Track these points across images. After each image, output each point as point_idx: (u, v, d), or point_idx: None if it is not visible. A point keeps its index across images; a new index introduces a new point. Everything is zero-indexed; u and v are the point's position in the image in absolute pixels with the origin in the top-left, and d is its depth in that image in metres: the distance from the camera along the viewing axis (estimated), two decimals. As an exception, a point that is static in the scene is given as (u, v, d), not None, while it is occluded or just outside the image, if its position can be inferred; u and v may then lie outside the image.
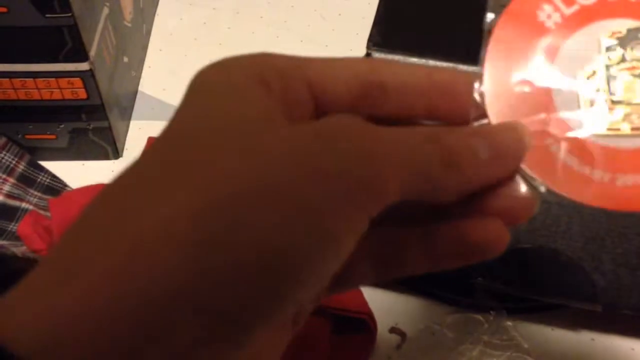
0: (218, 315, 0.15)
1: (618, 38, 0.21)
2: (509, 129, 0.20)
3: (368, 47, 0.38)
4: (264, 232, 0.16)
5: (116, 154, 0.46)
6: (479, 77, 0.21)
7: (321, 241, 0.16)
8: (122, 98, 0.48)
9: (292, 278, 0.16)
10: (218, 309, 0.15)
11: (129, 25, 0.48)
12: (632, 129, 0.21)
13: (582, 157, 0.21)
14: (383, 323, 0.38)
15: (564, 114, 0.21)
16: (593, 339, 0.39)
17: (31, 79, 0.41)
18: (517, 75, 0.21)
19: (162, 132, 0.18)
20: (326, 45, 0.52)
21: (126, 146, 0.47)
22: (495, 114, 0.21)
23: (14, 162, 0.44)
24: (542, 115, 0.21)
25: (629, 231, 0.35)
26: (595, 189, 0.21)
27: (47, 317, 0.15)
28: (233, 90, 0.18)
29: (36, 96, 0.42)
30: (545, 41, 0.21)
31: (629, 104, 0.21)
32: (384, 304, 0.39)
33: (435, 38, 0.39)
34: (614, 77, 0.21)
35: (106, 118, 0.44)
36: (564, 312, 0.39)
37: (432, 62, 0.38)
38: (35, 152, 0.45)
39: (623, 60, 0.21)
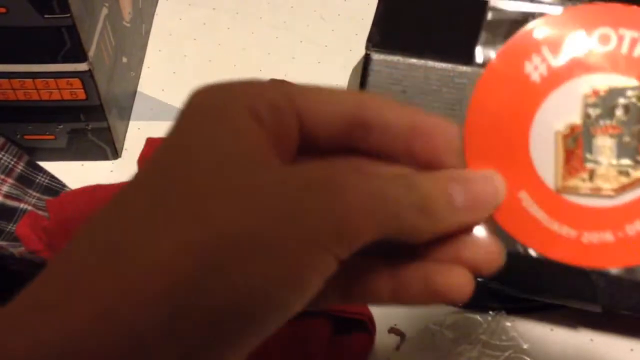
0: (193, 348, 0.17)
1: (600, 96, 0.21)
2: (485, 178, 0.21)
3: (367, 48, 0.38)
4: (237, 279, 0.16)
5: (115, 154, 0.46)
6: (461, 127, 0.21)
7: (290, 288, 0.17)
8: (121, 98, 0.48)
9: (260, 320, 0.17)
10: (191, 343, 0.16)
11: (128, 25, 0.48)
12: (602, 189, 0.21)
13: (552, 213, 0.21)
14: (382, 323, 0.38)
15: (538, 168, 0.21)
16: (592, 339, 0.39)
17: (30, 80, 0.41)
18: (497, 126, 0.21)
19: (152, 160, 0.18)
20: (326, 46, 0.52)
21: (125, 146, 0.47)
22: (473, 162, 0.21)
23: (12, 162, 0.44)
24: (516, 167, 0.21)
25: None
26: (562, 245, 0.21)
27: (34, 353, 0.16)
28: (225, 121, 0.18)
29: (35, 97, 0.42)
30: (529, 94, 0.21)
31: (601, 164, 0.21)
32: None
33: (435, 38, 0.39)
34: (591, 136, 0.21)
35: (105, 118, 0.44)
36: (564, 312, 0.39)
37: (430, 63, 0.38)
38: (34, 153, 0.45)
39: (601, 119, 0.21)
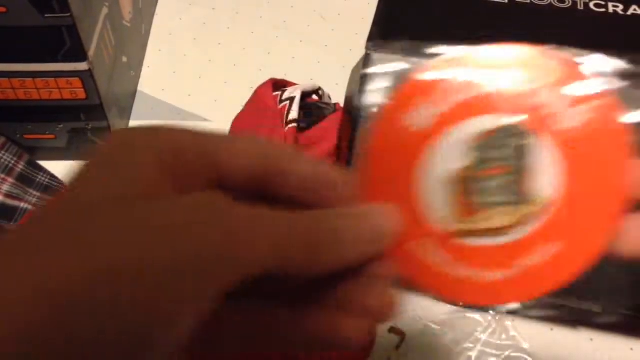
0: None
1: (483, 138, 0.21)
2: (378, 212, 0.21)
3: (367, 48, 0.38)
4: (105, 315, 0.16)
5: (115, 154, 0.47)
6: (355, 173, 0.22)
7: (157, 324, 0.16)
8: (121, 98, 0.48)
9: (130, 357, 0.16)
10: None
11: (128, 25, 0.49)
12: (491, 229, 0.21)
13: (450, 257, 0.21)
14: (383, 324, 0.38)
15: (433, 214, 0.21)
16: (592, 339, 0.39)
17: (30, 79, 0.41)
18: (389, 176, 0.21)
19: (55, 196, 0.18)
20: (326, 45, 0.52)
21: (125, 146, 0.47)
22: (366, 199, 0.21)
23: (13, 161, 0.44)
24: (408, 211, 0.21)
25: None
26: (464, 287, 0.21)
27: None
28: (128, 167, 0.18)
29: (35, 96, 0.42)
30: (415, 143, 0.21)
31: (491, 204, 0.21)
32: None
33: (435, 38, 0.39)
34: (479, 178, 0.21)
35: (105, 118, 0.44)
36: (564, 311, 0.39)
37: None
38: (34, 152, 0.45)
39: (487, 160, 0.21)
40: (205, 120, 0.49)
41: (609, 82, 0.21)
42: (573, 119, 0.21)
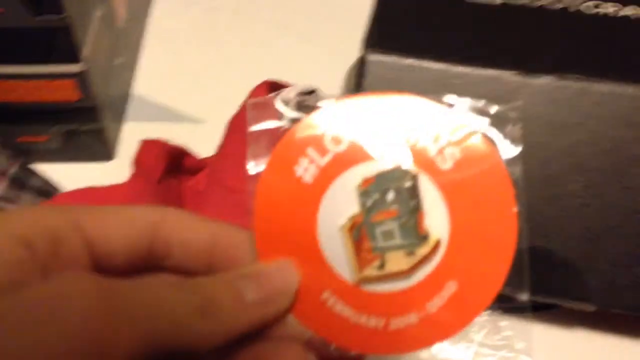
0: None
1: (371, 184, 0.22)
2: (278, 269, 0.21)
3: (363, 49, 0.39)
4: None
5: (110, 155, 0.46)
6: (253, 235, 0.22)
7: None
8: (116, 99, 0.48)
9: None
10: None
11: (123, 26, 0.48)
12: (395, 273, 0.22)
13: (356, 306, 0.21)
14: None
15: (333, 265, 0.22)
16: (588, 339, 0.39)
17: (24, 81, 0.41)
18: (285, 230, 0.22)
19: None
20: (326, 46, 0.52)
21: (120, 148, 0.47)
22: (264, 257, 0.22)
23: (6, 164, 0.44)
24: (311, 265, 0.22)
25: (624, 231, 0.35)
26: (371, 336, 0.21)
27: None
28: None
29: (29, 98, 0.42)
30: (306, 195, 0.22)
31: (388, 249, 0.22)
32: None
33: (432, 39, 0.39)
34: (372, 224, 0.22)
35: (100, 119, 0.44)
36: (559, 311, 0.39)
37: (426, 64, 0.38)
38: (28, 154, 0.45)
39: (377, 205, 0.22)
40: (200, 121, 0.49)
41: (478, 121, 0.22)
42: (449, 160, 0.22)
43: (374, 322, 0.21)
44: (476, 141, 0.22)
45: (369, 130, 0.22)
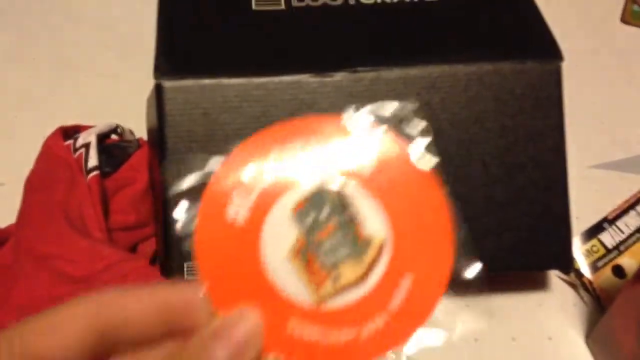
0: None
1: (304, 205, 0.22)
2: (240, 317, 0.21)
3: (156, 77, 0.38)
4: None
5: None
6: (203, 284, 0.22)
7: None
8: None
9: None
10: None
11: None
12: (350, 282, 0.22)
13: (322, 325, 0.22)
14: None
15: (290, 294, 0.22)
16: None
17: None
18: (234, 273, 0.22)
19: None
20: (118, 79, 0.51)
21: None
22: (220, 306, 0.22)
23: None
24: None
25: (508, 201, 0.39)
26: (347, 351, 0.22)
27: None
28: None
29: None
30: (244, 236, 0.22)
31: (337, 262, 0.22)
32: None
33: (223, 55, 0.40)
34: (316, 243, 0.22)
35: None
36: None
37: (225, 81, 0.38)
38: None
39: (316, 224, 0.22)
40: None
41: (381, 125, 0.23)
42: (369, 164, 0.23)
43: (345, 335, 0.22)
44: (387, 142, 0.23)
45: (285, 159, 0.23)
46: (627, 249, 0.45)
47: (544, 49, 0.41)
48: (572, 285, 0.44)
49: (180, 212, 0.23)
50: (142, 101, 0.45)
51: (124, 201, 0.40)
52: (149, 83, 0.38)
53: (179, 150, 0.37)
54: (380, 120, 0.23)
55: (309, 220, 0.22)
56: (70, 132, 0.41)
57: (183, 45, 0.40)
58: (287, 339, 0.22)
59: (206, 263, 0.22)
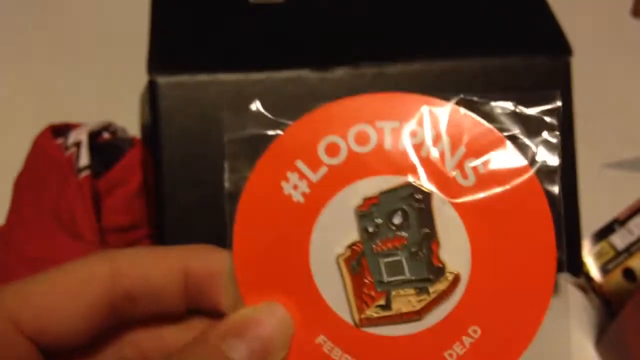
0: None
1: (373, 205, 0.19)
2: (267, 315, 0.18)
3: (150, 74, 0.37)
4: None
5: None
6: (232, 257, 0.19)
7: None
8: None
9: None
10: None
11: None
12: (403, 314, 0.19)
13: (358, 354, 0.18)
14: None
15: (330, 302, 0.19)
16: None
17: None
18: (272, 258, 0.19)
19: None
20: (110, 75, 0.50)
21: None
22: (247, 293, 0.19)
23: None
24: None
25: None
26: None
27: None
28: None
29: None
30: (296, 217, 0.19)
31: (395, 284, 0.19)
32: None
33: (221, 48, 0.39)
34: (375, 254, 0.18)
35: None
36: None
37: (221, 76, 0.38)
38: None
39: (381, 231, 0.19)
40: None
41: (507, 126, 0.19)
42: (470, 175, 0.19)
43: None
44: (505, 152, 0.19)
45: (370, 137, 0.19)
46: (638, 251, 0.44)
47: (552, 43, 0.40)
48: (581, 288, 0.44)
49: (227, 173, 0.19)
50: (136, 98, 0.45)
51: (116, 202, 0.39)
52: (143, 79, 0.38)
53: (174, 149, 0.37)
54: (509, 120, 0.19)
55: (376, 223, 0.19)
56: (60, 130, 0.40)
57: (177, 40, 0.39)
58: (310, 353, 0.18)
59: (243, 238, 0.19)
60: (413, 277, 0.19)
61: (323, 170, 0.19)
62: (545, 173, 0.19)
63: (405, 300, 0.18)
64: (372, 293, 0.19)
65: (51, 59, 0.51)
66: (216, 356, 0.17)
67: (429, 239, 0.19)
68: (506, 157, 0.19)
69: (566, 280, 0.44)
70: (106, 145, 0.41)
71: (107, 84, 0.50)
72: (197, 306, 0.19)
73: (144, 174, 0.41)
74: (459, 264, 0.18)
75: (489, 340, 0.18)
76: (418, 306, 0.18)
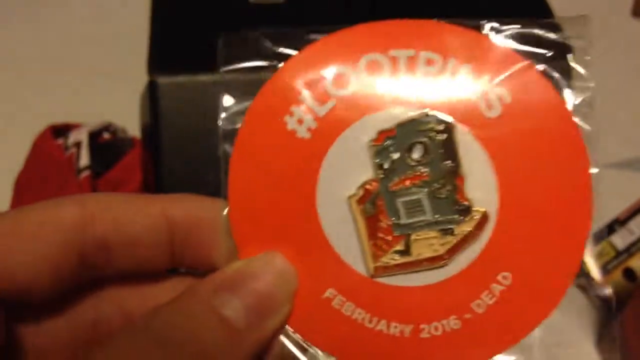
0: None
1: (389, 138, 0.17)
2: (266, 268, 0.16)
3: (150, 74, 0.37)
4: None
5: None
6: (226, 203, 0.17)
7: None
8: None
9: None
10: None
11: None
12: (425, 259, 0.16)
13: (369, 306, 0.16)
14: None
15: (339, 250, 0.16)
16: None
17: None
18: (273, 201, 0.17)
19: None
20: (110, 76, 0.50)
21: None
22: (246, 250, 0.16)
23: None
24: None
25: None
26: (396, 349, 0.16)
27: None
28: None
29: None
30: (301, 155, 0.17)
31: (416, 226, 0.16)
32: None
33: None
34: (392, 193, 0.16)
35: None
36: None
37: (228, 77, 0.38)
38: None
39: (399, 168, 0.17)
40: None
41: (534, 52, 0.17)
42: (496, 105, 0.17)
43: (397, 328, 0.16)
44: (533, 79, 0.17)
45: (383, 66, 0.17)
46: (638, 251, 0.45)
47: (552, 42, 0.40)
48: (581, 289, 0.44)
49: (224, 106, 0.17)
50: (136, 98, 0.45)
51: (116, 202, 0.40)
52: (143, 79, 0.38)
53: (174, 149, 0.37)
54: (536, 45, 0.17)
55: (392, 158, 0.17)
56: (60, 130, 0.40)
57: (177, 40, 0.39)
58: (317, 309, 0.16)
59: (240, 181, 0.17)
60: (435, 218, 0.16)
61: (331, 102, 0.17)
62: (577, 107, 0.17)
63: (426, 244, 0.16)
64: (389, 237, 0.16)
65: (51, 59, 0.51)
66: (206, 312, 0.15)
67: (452, 174, 0.16)
68: (536, 87, 0.17)
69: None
70: (106, 146, 0.41)
71: (107, 84, 0.50)
72: (183, 261, 0.17)
73: (144, 174, 0.41)
74: (486, 202, 0.16)
75: (521, 288, 0.16)
76: (442, 250, 0.16)
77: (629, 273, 0.44)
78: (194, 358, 0.14)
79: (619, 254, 0.44)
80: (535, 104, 0.17)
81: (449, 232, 0.16)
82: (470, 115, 0.17)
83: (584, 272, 0.43)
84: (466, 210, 0.16)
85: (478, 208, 0.17)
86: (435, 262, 0.16)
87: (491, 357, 0.16)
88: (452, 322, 0.16)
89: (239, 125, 0.17)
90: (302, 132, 0.17)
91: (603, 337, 0.41)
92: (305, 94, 0.17)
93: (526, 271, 0.16)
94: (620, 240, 0.45)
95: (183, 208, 0.17)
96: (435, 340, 0.16)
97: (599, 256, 0.45)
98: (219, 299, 0.15)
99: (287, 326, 0.16)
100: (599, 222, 0.46)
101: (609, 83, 0.55)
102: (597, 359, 0.41)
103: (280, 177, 0.17)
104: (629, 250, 0.45)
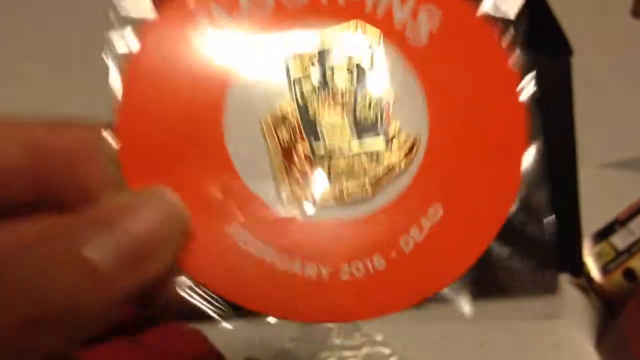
0: None
1: (307, 59, 0.15)
2: (150, 202, 0.13)
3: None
4: None
5: None
6: (110, 127, 0.14)
7: None
8: None
9: None
10: None
11: None
12: (351, 191, 0.14)
13: (280, 244, 0.14)
14: (237, 357, 0.38)
15: (248, 182, 0.14)
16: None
17: None
18: (171, 129, 0.14)
19: None
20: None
21: None
22: (135, 177, 0.14)
23: None
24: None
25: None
26: (308, 295, 0.14)
27: None
28: None
29: None
30: (207, 72, 0.14)
31: (339, 154, 0.14)
32: (231, 338, 0.39)
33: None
34: (311, 118, 0.14)
35: None
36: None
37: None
38: None
39: (320, 90, 0.15)
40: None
41: None
42: (423, 25, 0.15)
43: (313, 270, 0.14)
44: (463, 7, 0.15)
45: None
46: (638, 251, 0.45)
47: (553, 43, 0.40)
48: (581, 289, 0.44)
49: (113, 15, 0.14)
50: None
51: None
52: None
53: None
54: None
55: (311, 80, 0.14)
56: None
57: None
58: (218, 248, 0.14)
59: (132, 101, 0.14)
60: (359, 144, 0.14)
61: (243, 15, 0.15)
62: (505, 25, 0.15)
63: (349, 174, 0.14)
64: (307, 166, 0.14)
65: (51, 59, 0.51)
66: (65, 253, 0.12)
67: (379, 98, 0.15)
68: (463, 7, 0.15)
69: (567, 281, 0.44)
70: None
71: (107, 83, 0.50)
72: (56, 194, 0.14)
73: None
74: (414, 128, 0.14)
75: (452, 223, 0.14)
76: (366, 181, 0.14)
77: (629, 273, 0.44)
78: (41, 303, 0.12)
79: (619, 254, 0.45)
80: (465, 29, 0.15)
81: (374, 159, 0.14)
82: (397, 36, 0.15)
83: (584, 273, 0.44)
84: (392, 138, 0.14)
85: (405, 134, 0.14)
86: (358, 194, 0.14)
87: (418, 302, 0.14)
88: (377, 262, 0.14)
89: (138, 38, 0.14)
90: (209, 49, 0.14)
91: (603, 338, 0.41)
92: (215, 5, 0.15)
93: (458, 203, 0.14)
94: (620, 240, 0.45)
95: (55, 132, 0.14)
96: (356, 283, 0.14)
97: (599, 256, 0.45)
98: (83, 237, 0.12)
99: (180, 271, 0.14)
100: (599, 222, 0.46)
101: (608, 83, 0.56)
102: (597, 359, 0.41)
103: (180, 94, 0.14)
104: (629, 251, 0.45)
